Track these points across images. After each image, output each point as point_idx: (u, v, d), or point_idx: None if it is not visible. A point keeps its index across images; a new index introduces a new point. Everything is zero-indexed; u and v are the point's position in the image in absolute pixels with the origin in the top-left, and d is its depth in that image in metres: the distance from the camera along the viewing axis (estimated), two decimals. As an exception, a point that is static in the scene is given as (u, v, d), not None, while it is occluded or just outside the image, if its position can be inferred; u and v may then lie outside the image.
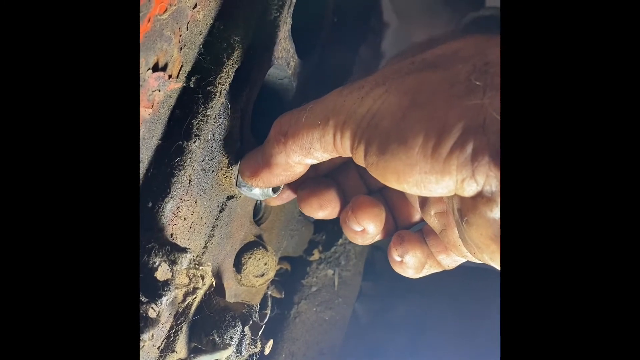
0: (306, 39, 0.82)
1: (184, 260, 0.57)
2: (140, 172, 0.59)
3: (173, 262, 0.57)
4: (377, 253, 1.01)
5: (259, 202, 0.83)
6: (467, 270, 1.10)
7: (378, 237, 0.71)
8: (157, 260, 0.56)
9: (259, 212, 0.85)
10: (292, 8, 0.70)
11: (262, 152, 0.66)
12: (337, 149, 0.60)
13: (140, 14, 0.50)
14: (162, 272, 0.57)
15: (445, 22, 1.43)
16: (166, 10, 0.51)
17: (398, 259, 0.68)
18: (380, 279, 0.99)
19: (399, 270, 0.70)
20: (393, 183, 0.56)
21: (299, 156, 0.62)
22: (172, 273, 0.57)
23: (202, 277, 0.59)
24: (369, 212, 0.68)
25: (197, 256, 0.58)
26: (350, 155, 0.60)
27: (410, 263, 0.68)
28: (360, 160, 0.58)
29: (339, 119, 0.58)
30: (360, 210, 0.68)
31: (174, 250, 0.56)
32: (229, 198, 0.71)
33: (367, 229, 0.68)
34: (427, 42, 0.66)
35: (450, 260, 0.69)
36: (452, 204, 0.62)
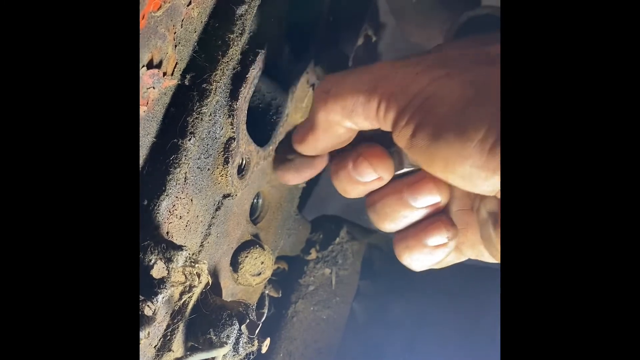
0: (301, 39, 0.82)
1: (180, 258, 0.57)
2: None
3: (169, 260, 0.56)
4: (375, 252, 1.01)
5: (255, 200, 0.83)
6: (465, 268, 1.10)
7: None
8: (153, 258, 0.56)
9: (255, 210, 0.85)
10: (287, 7, 0.70)
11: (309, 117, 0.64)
12: (378, 119, 0.58)
13: (134, 11, 0.50)
14: (158, 270, 0.57)
15: (441, 21, 1.43)
16: (160, 7, 0.51)
17: (445, 240, 0.64)
18: (377, 277, 0.99)
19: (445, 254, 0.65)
20: (438, 170, 0.54)
21: (339, 116, 0.60)
22: (168, 271, 0.57)
23: (198, 275, 0.59)
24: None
25: (193, 254, 0.58)
26: (389, 129, 0.58)
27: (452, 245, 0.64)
28: (402, 138, 0.56)
29: (387, 89, 0.56)
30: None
31: (169, 248, 0.56)
32: (225, 196, 0.71)
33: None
34: (488, 37, 0.64)
35: (459, 257, 0.68)
36: (479, 205, 0.61)
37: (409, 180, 0.65)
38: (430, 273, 1.07)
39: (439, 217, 0.65)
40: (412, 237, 0.65)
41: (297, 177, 0.72)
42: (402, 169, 0.67)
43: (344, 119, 0.60)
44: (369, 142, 0.66)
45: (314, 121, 0.63)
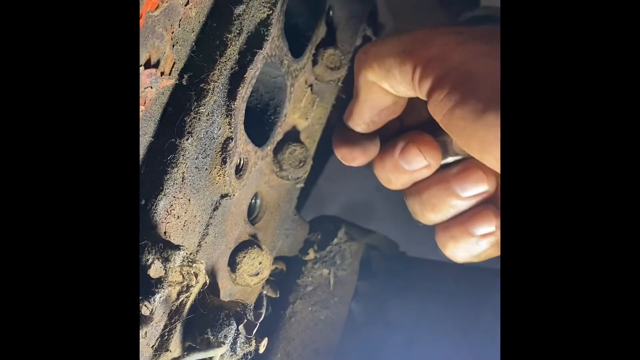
0: (300, 38, 0.82)
1: (177, 258, 0.57)
2: (132, 169, 0.59)
3: (166, 260, 0.56)
4: (373, 252, 1.01)
5: (253, 200, 0.83)
6: (463, 268, 1.10)
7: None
8: (150, 257, 0.56)
9: (253, 211, 0.85)
10: (285, 6, 0.70)
11: None
12: (414, 84, 0.57)
13: (132, 10, 0.50)
14: (155, 270, 0.56)
15: (440, 22, 1.43)
16: (158, 6, 0.51)
17: (493, 228, 0.63)
18: (376, 278, 0.99)
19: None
20: (474, 150, 0.54)
21: (376, 76, 0.60)
22: (165, 271, 0.57)
23: (196, 275, 0.59)
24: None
25: (190, 254, 0.58)
26: (424, 97, 0.57)
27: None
28: (438, 110, 0.55)
29: (425, 54, 0.56)
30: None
31: (167, 248, 0.56)
32: (223, 196, 0.71)
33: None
34: None
35: (497, 250, 0.66)
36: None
37: (456, 169, 0.64)
38: (428, 273, 1.07)
39: (486, 205, 0.64)
40: (458, 226, 0.64)
41: (355, 155, 0.71)
42: (447, 158, 0.66)
43: (381, 80, 0.60)
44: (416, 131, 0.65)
45: (356, 86, 0.63)
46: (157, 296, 0.55)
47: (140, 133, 0.58)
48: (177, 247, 0.57)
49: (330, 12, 0.91)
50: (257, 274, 0.78)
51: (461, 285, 1.02)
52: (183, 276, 0.59)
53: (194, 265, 0.58)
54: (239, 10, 0.63)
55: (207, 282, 0.62)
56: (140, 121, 0.57)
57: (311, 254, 0.94)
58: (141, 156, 0.59)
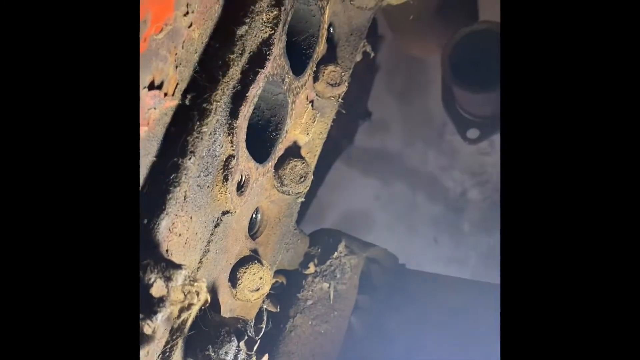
0: (300, 54, 0.83)
1: (179, 277, 0.57)
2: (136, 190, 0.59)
3: (168, 279, 0.57)
4: (373, 266, 1.01)
5: (254, 215, 0.84)
6: (462, 282, 1.10)
7: None
8: (153, 276, 0.56)
9: (254, 225, 0.85)
10: (287, 26, 0.71)
11: None
12: None
13: (136, 34, 0.50)
14: (158, 289, 0.57)
15: (438, 36, 1.45)
16: (162, 30, 0.52)
17: None
18: (375, 292, 1.00)
19: None
20: None
21: None
22: (168, 289, 0.57)
23: (197, 293, 0.59)
24: None
25: (192, 272, 0.58)
26: None
27: None
28: None
29: None
30: None
31: (169, 267, 0.57)
32: (224, 213, 0.71)
33: None
34: None
35: None
36: None
37: None
38: (428, 287, 1.07)
39: None
40: None
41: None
42: None
43: None
44: None
45: None
46: (159, 315, 0.56)
47: (143, 153, 0.58)
48: (179, 266, 0.57)
49: (331, 29, 0.93)
50: (258, 290, 0.78)
51: (461, 301, 1.02)
52: (185, 295, 0.59)
53: (195, 283, 0.58)
54: (241, 30, 0.64)
55: (209, 299, 0.62)
56: (144, 142, 0.58)
57: (311, 268, 0.94)
58: (144, 176, 0.60)
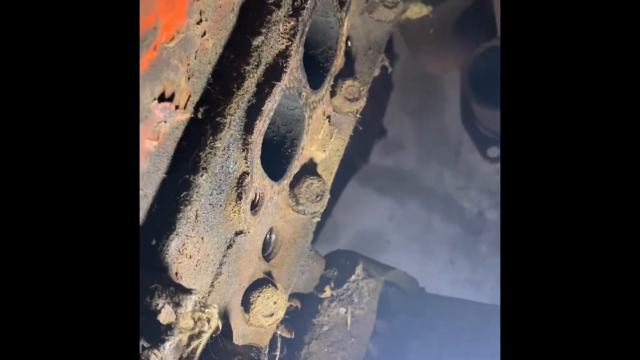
0: (317, 68, 0.79)
1: (189, 303, 0.53)
2: (143, 208, 0.56)
3: (177, 305, 0.53)
4: (392, 289, 0.96)
5: (268, 235, 0.80)
6: (482, 307, 1.05)
7: None
8: (161, 302, 0.53)
9: (268, 246, 0.81)
10: (304, 38, 0.68)
11: None
12: None
13: (146, 42, 0.47)
14: (166, 315, 0.53)
15: (456, 52, 1.42)
16: (173, 38, 0.49)
17: None
18: (395, 317, 0.95)
19: None
20: None
21: None
22: (176, 316, 0.53)
23: (208, 320, 0.55)
24: None
25: (202, 297, 0.54)
26: None
27: None
28: None
29: None
30: None
31: (178, 292, 0.53)
32: (238, 234, 0.67)
33: None
34: None
35: None
36: None
37: None
38: (449, 312, 1.02)
39: None
40: None
41: None
42: None
43: None
44: None
45: None
46: (167, 344, 0.52)
47: (153, 169, 0.55)
48: (189, 291, 0.53)
49: (349, 43, 0.90)
50: (272, 315, 0.74)
51: (481, 326, 0.98)
52: (195, 321, 0.55)
53: (206, 310, 0.54)
54: (257, 41, 0.61)
55: (220, 326, 0.58)
56: (153, 157, 0.54)
57: (327, 292, 0.90)
58: (153, 193, 0.56)
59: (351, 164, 1.65)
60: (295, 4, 0.65)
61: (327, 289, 0.90)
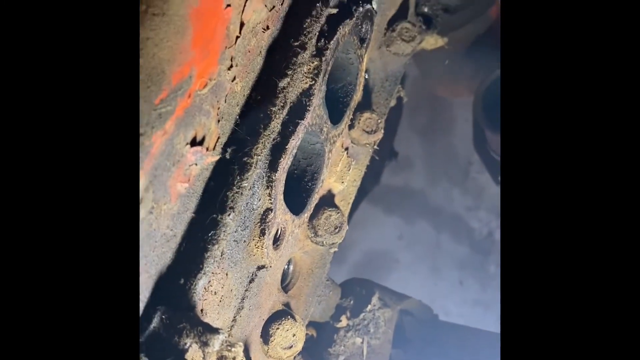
0: (335, 101, 0.81)
1: (217, 342, 0.54)
2: (172, 247, 0.57)
3: (205, 344, 0.54)
4: (407, 318, 0.97)
5: (286, 266, 0.81)
6: (497, 336, 1.05)
7: None
8: (189, 341, 0.53)
9: (286, 277, 0.82)
10: (327, 76, 0.70)
11: None
12: None
13: (181, 90, 0.49)
14: (193, 353, 0.54)
15: (468, 78, 1.43)
16: (206, 85, 0.51)
17: None
18: (410, 345, 0.95)
19: None
20: None
21: None
22: (204, 355, 0.54)
23: (234, 359, 0.56)
24: None
25: (229, 336, 0.55)
26: None
27: None
28: None
29: None
30: None
31: (205, 331, 0.54)
32: (260, 268, 0.68)
33: None
34: None
35: None
36: None
37: None
38: (463, 340, 1.03)
39: None
40: None
41: None
42: None
43: None
44: None
45: None
46: (195, 383, 0.53)
47: (182, 210, 0.56)
48: (217, 331, 0.54)
49: (366, 76, 0.91)
50: (291, 347, 0.74)
51: (495, 353, 0.98)
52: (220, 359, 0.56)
53: (232, 349, 0.55)
54: (283, 83, 0.62)
55: (244, 364, 0.59)
56: (183, 198, 0.56)
57: (344, 321, 0.91)
58: (182, 233, 0.57)
59: (363, 187, 1.66)
60: (318, 44, 0.67)
61: (344, 318, 0.91)
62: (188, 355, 0.54)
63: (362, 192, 1.83)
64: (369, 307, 0.91)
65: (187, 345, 0.53)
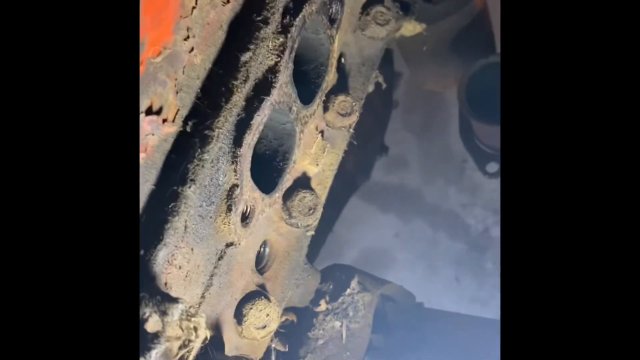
0: (310, 84, 0.81)
1: (176, 312, 0.54)
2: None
3: (164, 313, 0.54)
4: (388, 303, 0.96)
5: (262, 249, 0.81)
6: (483, 322, 1.04)
7: None
8: (148, 311, 0.54)
9: (262, 260, 0.82)
10: (294, 53, 0.70)
11: None
12: None
13: (133, 57, 0.49)
14: (153, 324, 0.54)
15: (455, 69, 1.43)
16: (160, 53, 0.51)
17: None
18: (391, 331, 0.95)
19: None
20: None
21: None
22: (163, 325, 0.54)
23: (195, 329, 0.56)
24: None
25: (190, 307, 0.55)
26: None
27: None
28: None
29: None
30: None
31: (164, 301, 0.54)
32: (228, 245, 0.68)
33: None
34: None
35: None
36: None
37: None
38: (447, 327, 1.02)
39: None
40: None
41: None
42: None
43: None
44: None
45: None
46: (154, 352, 0.53)
47: (142, 181, 0.57)
48: (176, 300, 0.54)
49: (342, 60, 0.91)
50: (265, 327, 0.74)
51: (477, 339, 0.97)
52: (182, 330, 0.56)
53: (193, 319, 0.55)
54: (245, 57, 0.63)
55: (208, 336, 0.59)
56: (142, 169, 0.56)
57: (323, 306, 0.90)
58: (142, 204, 0.58)
59: (353, 181, 1.66)
60: (284, 21, 0.67)
61: (323, 302, 0.90)
62: (147, 326, 0.54)
63: (353, 187, 1.83)
64: (348, 290, 0.90)
65: (146, 315, 0.53)
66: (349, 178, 1.54)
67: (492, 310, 2.08)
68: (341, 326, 0.89)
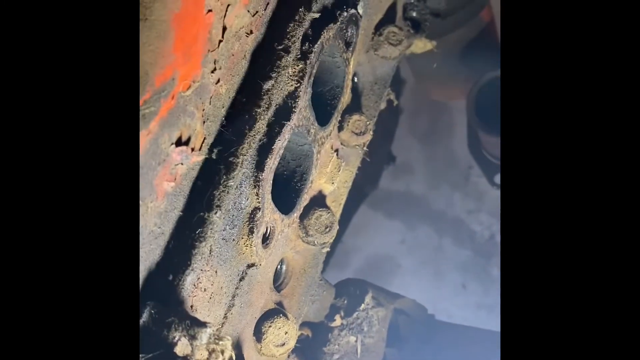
0: (325, 104, 0.83)
1: (204, 335, 0.56)
2: (161, 245, 0.59)
3: (193, 337, 0.56)
4: (401, 317, 0.98)
5: (279, 266, 0.82)
6: (494, 335, 1.06)
7: None
8: (177, 335, 0.55)
9: (279, 277, 0.84)
10: (312, 78, 0.72)
11: None
12: None
13: (164, 92, 0.51)
14: (182, 347, 0.56)
15: (462, 81, 1.45)
16: (190, 87, 0.53)
17: None
18: (404, 344, 0.96)
19: None
20: None
21: None
22: (192, 348, 0.56)
23: (222, 352, 0.58)
24: None
25: (217, 330, 0.57)
26: None
27: None
28: None
29: None
30: None
31: (193, 325, 0.56)
32: (250, 266, 0.70)
33: None
34: None
35: None
36: None
37: None
38: (460, 340, 1.03)
39: None
40: None
41: None
42: None
43: None
44: None
45: None
46: (183, 375, 0.54)
47: (170, 208, 0.58)
48: (204, 325, 0.56)
49: (355, 79, 0.93)
50: (283, 344, 0.76)
51: (493, 353, 0.98)
52: (209, 353, 0.58)
53: (220, 342, 0.57)
54: (267, 85, 0.64)
55: (234, 357, 0.61)
56: (170, 197, 0.58)
57: (338, 321, 0.92)
58: (170, 231, 0.59)
59: (361, 190, 1.67)
60: (303, 48, 0.69)
61: (338, 317, 0.92)
62: (177, 349, 0.55)
63: (361, 196, 1.84)
64: (363, 306, 0.92)
65: (176, 339, 0.55)
66: (358, 188, 1.56)
67: (498, 316, 2.09)
68: (356, 341, 0.90)
